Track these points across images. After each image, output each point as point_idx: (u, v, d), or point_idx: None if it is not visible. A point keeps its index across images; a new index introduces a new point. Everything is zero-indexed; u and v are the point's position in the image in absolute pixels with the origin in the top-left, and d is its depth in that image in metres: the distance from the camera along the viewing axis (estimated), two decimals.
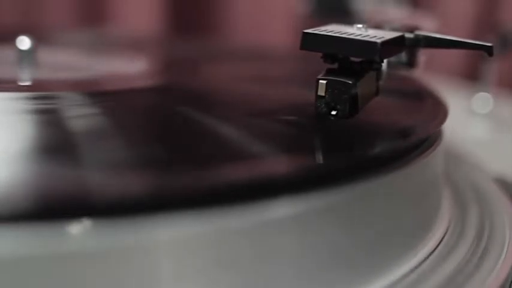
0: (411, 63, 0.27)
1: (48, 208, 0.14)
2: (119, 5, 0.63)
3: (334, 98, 0.21)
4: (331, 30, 0.21)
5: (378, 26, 0.23)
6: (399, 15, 0.37)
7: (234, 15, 0.66)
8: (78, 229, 0.14)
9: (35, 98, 0.24)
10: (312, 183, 0.17)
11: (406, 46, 0.23)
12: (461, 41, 0.22)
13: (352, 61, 0.21)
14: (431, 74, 0.41)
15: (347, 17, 0.38)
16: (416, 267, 0.19)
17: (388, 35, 0.21)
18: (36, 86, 0.29)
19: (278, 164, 0.18)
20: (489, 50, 0.22)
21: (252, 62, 0.38)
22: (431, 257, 0.20)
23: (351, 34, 0.20)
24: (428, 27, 0.31)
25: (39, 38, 0.32)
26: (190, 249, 0.15)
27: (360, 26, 0.22)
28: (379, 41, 0.20)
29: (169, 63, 0.39)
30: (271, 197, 0.16)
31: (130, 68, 0.33)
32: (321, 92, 0.21)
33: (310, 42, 0.21)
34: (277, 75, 0.34)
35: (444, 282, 0.18)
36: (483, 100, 0.44)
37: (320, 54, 0.21)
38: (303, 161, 0.18)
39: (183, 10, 0.66)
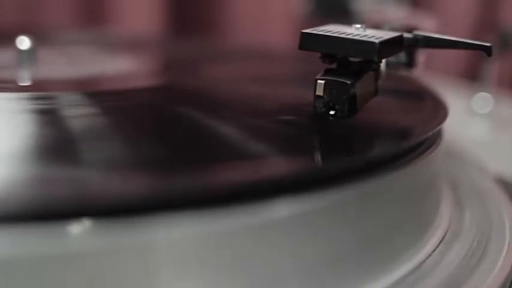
0: (410, 63, 0.27)
1: (48, 208, 0.14)
2: (119, 5, 0.63)
3: (333, 98, 0.21)
4: (330, 30, 0.21)
5: (376, 26, 0.24)
6: (399, 15, 0.37)
7: (234, 15, 0.66)
8: (78, 229, 0.14)
9: (35, 98, 0.25)
10: (311, 183, 0.17)
11: (405, 46, 0.23)
12: (460, 41, 0.22)
13: (350, 61, 0.22)
14: (431, 74, 0.41)
15: (347, 17, 0.38)
16: (416, 267, 0.19)
17: (387, 35, 0.21)
18: (36, 86, 0.29)
19: (277, 165, 0.18)
20: (488, 50, 0.22)
21: (252, 62, 0.38)
22: (431, 257, 0.20)
23: (350, 34, 0.21)
24: (428, 27, 0.31)
25: (39, 38, 0.32)
26: (189, 249, 0.15)
27: (358, 26, 0.22)
28: (377, 41, 0.20)
29: (169, 63, 0.39)
30: (271, 198, 0.16)
31: (130, 68, 0.33)
32: (320, 92, 0.21)
33: (308, 42, 0.21)
34: (277, 75, 0.34)
35: (444, 281, 0.18)
36: (483, 100, 0.44)
37: (319, 54, 0.21)
38: (302, 162, 0.18)
39: (183, 10, 0.66)
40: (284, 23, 0.65)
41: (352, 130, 0.21)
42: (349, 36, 0.20)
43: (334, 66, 0.21)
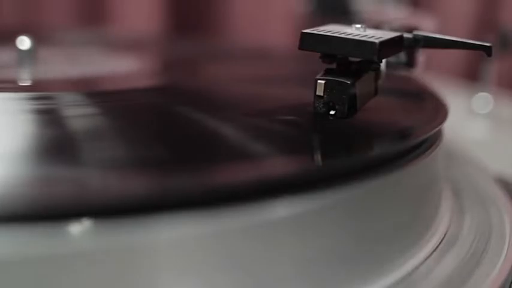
0: (410, 63, 0.27)
1: (48, 208, 0.14)
2: (119, 5, 0.63)
3: (333, 98, 0.21)
4: (330, 30, 0.21)
5: (377, 26, 0.24)
6: (399, 15, 0.37)
7: (234, 15, 0.66)
8: (78, 229, 0.14)
9: (35, 98, 0.25)
10: (312, 183, 0.17)
11: (405, 46, 0.23)
12: (460, 41, 0.22)
13: (350, 61, 0.22)
14: (431, 74, 0.41)
15: (347, 17, 0.38)
16: (416, 267, 0.19)
17: (387, 35, 0.21)
18: (36, 86, 0.29)
19: (277, 165, 0.18)
20: (488, 50, 0.22)
21: (252, 62, 0.38)
22: (431, 257, 0.20)
23: (350, 34, 0.21)
24: (428, 27, 0.31)
25: (39, 38, 0.32)
26: (189, 249, 0.15)
27: (358, 26, 0.22)
28: (377, 41, 0.20)
29: (169, 63, 0.39)
30: (271, 198, 0.16)
31: (130, 68, 0.33)
32: (320, 92, 0.21)
33: (308, 42, 0.21)
34: (277, 75, 0.34)
35: (444, 282, 0.18)
36: (483, 100, 0.44)
37: (319, 54, 0.21)
38: (302, 162, 0.18)
39: (183, 10, 0.66)
40: (284, 23, 0.65)
41: (352, 130, 0.21)
42: (349, 36, 0.20)
43: (334, 66, 0.21)
